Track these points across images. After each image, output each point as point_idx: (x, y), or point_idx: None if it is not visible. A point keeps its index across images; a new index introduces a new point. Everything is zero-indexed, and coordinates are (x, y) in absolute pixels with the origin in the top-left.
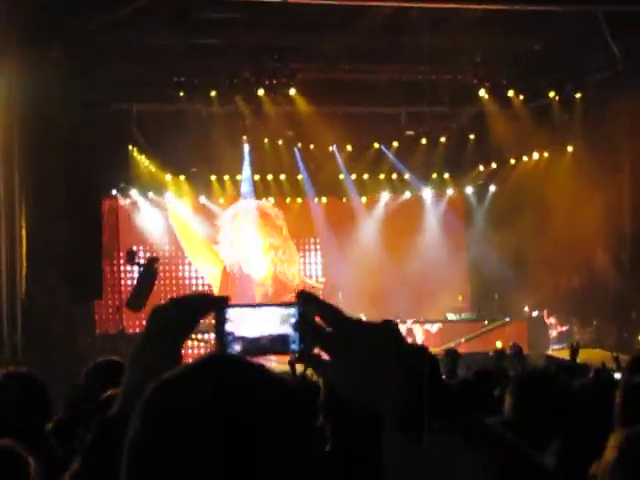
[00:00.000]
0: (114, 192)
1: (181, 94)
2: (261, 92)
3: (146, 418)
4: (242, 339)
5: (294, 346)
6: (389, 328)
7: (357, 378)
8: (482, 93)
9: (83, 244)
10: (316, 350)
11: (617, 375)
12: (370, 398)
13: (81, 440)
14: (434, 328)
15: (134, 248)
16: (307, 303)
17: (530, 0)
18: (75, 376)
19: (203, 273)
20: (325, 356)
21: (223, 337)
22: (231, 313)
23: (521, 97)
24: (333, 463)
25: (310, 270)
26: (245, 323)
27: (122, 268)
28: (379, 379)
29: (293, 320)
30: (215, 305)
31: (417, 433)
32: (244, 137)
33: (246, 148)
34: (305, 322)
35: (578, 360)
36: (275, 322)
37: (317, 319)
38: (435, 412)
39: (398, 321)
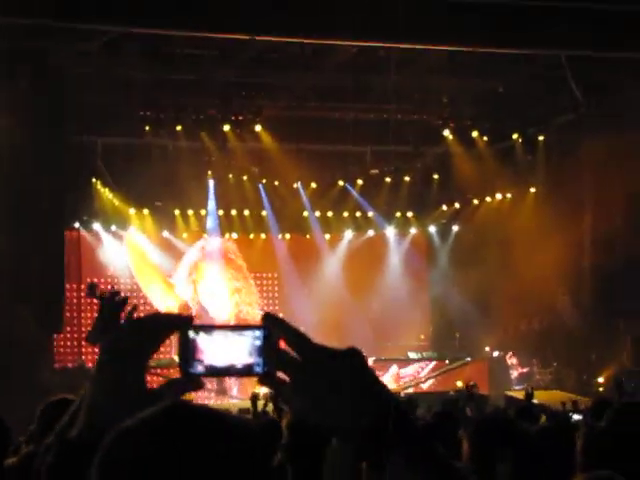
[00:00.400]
0: (77, 224)
1: (147, 128)
2: (227, 128)
3: (103, 466)
4: (205, 361)
5: (258, 369)
6: (354, 355)
7: (318, 404)
8: (447, 133)
9: (46, 275)
10: (280, 374)
11: (575, 417)
12: (330, 424)
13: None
14: (394, 368)
15: (95, 281)
16: (273, 326)
17: (493, 43)
18: (33, 411)
19: (160, 307)
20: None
21: (187, 357)
22: (194, 334)
23: (485, 138)
24: None
25: (269, 306)
26: (209, 345)
27: (82, 301)
28: (341, 406)
29: (258, 343)
30: (179, 324)
31: (376, 462)
32: (209, 172)
33: (211, 183)
34: (269, 345)
35: (537, 401)
36: (239, 344)
37: (282, 342)
38: (397, 443)
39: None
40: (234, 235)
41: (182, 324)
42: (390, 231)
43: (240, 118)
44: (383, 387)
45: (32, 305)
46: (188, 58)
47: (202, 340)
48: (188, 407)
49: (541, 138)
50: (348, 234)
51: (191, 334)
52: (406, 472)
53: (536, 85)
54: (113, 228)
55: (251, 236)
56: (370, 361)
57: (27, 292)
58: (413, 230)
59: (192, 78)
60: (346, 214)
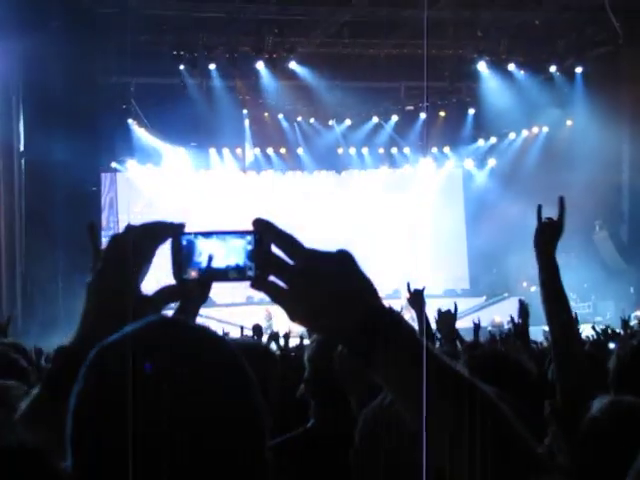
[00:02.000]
0: (114, 165)
1: (181, 67)
2: (261, 66)
3: (86, 377)
4: (198, 266)
5: (250, 273)
6: (345, 256)
7: (311, 304)
8: (482, 67)
9: (82, 220)
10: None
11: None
12: (323, 324)
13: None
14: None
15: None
16: (264, 230)
17: None
18: None
19: None
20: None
21: (179, 264)
22: (186, 241)
23: (521, 71)
24: (316, 438)
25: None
26: (201, 251)
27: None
28: (332, 305)
29: (249, 247)
30: (172, 231)
31: (365, 358)
32: (244, 111)
33: (246, 122)
34: (261, 249)
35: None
36: (231, 250)
37: (273, 247)
38: (387, 345)
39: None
40: (270, 171)
41: (174, 230)
42: (426, 166)
43: (274, 56)
44: (374, 289)
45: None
46: None
47: (194, 246)
48: (171, 322)
49: (579, 70)
50: (384, 170)
51: (183, 241)
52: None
53: (573, 16)
54: (149, 167)
55: (287, 173)
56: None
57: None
58: (449, 165)
59: (225, 16)
60: (381, 150)
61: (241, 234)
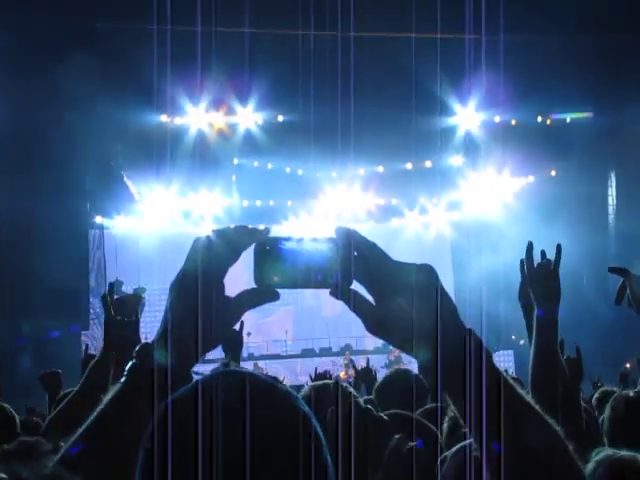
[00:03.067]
0: (100, 220)
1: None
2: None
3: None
4: (280, 272)
5: (331, 280)
6: (430, 270)
7: (393, 317)
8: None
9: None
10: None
11: None
12: (406, 338)
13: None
14: None
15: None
16: (346, 238)
17: None
18: None
19: None
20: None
21: (262, 269)
22: (269, 246)
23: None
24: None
25: None
26: (284, 256)
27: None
28: (424, 321)
29: (331, 254)
30: (257, 236)
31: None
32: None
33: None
34: (344, 258)
35: None
36: (313, 257)
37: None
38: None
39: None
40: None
41: (259, 236)
42: (413, 218)
43: None
44: (456, 308)
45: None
46: None
47: (277, 252)
48: (237, 373)
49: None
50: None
51: (266, 246)
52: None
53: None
54: (135, 219)
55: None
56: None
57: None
58: (435, 215)
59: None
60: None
61: (324, 241)
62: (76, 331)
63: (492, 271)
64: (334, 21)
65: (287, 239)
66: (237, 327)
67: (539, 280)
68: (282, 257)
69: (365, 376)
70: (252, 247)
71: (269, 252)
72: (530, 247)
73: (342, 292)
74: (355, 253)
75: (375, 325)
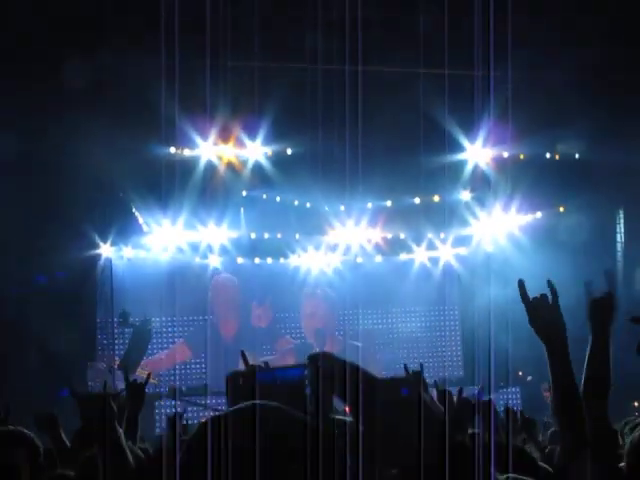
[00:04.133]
0: (109, 247)
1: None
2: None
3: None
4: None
5: (310, 406)
6: (416, 380)
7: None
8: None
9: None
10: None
11: None
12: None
13: None
14: None
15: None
16: (324, 363)
17: None
18: None
19: None
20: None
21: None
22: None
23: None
24: None
25: None
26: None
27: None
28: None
29: (303, 384)
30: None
31: None
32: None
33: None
34: (324, 386)
35: None
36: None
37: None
38: None
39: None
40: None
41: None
42: (421, 253)
43: None
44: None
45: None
46: None
47: (250, 386)
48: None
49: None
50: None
51: (240, 379)
52: None
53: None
54: (142, 252)
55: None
56: None
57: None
58: (445, 250)
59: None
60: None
61: (296, 370)
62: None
63: (499, 306)
64: (342, 55)
65: (261, 372)
66: None
67: (538, 317)
68: (254, 391)
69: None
70: None
71: (241, 387)
72: (521, 284)
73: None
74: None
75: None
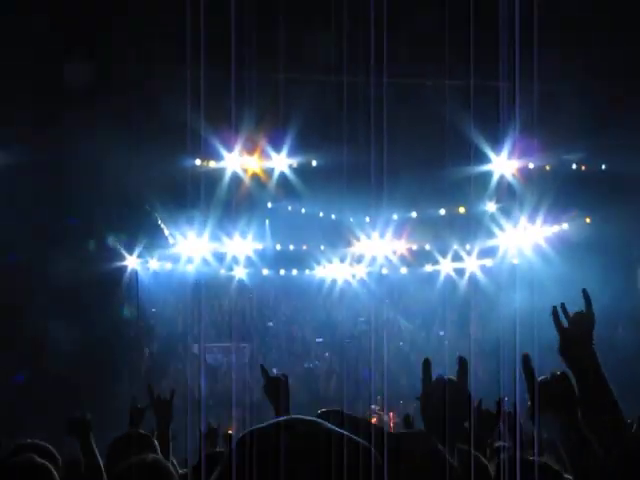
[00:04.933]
0: (135, 259)
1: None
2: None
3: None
4: None
5: None
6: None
7: None
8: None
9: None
10: None
11: None
12: None
13: None
14: None
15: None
16: (334, 419)
17: None
18: None
19: None
20: None
21: None
22: None
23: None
24: None
25: None
26: None
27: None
28: None
29: None
30: None
31: None
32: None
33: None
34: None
35: None
36: None
37: None
38: None
39: None
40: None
41: None
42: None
43: None
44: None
45: None
46: None
47: None
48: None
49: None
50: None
51: None
52: None
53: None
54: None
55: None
56: None
57: None
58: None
59: None
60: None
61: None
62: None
63: (525, 317)
64: (368, 67)
65: None
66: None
67: (569, 348)
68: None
69: None
70: None
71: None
72: (555, 312)
73: None
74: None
75: None
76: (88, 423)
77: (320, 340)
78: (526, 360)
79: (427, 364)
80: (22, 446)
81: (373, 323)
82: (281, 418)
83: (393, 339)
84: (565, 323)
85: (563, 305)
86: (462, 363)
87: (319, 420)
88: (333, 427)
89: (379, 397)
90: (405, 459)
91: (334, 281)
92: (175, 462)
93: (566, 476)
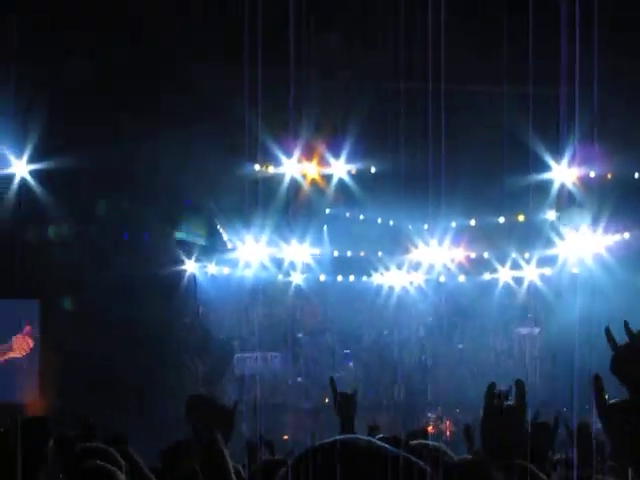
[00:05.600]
0: (194, 263)
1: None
2: None
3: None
4: None
5: None
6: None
7: None
8: None
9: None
10: None
11: None
12: None
13: None
14: None
15: None
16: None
17: None
18: None
19: None
20: None
21: None
22: None
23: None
24: None
25: None
26: None
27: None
28: None
29: None
30: None
31: None
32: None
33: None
34: None
35: None
36: None
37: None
38: None
39: None
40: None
41: None
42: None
43: None
44: None
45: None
46: None
47: None
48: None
49: None
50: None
51: None
52: None
53: None
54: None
55: None
56: None
57: None
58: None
59: None
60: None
61: None
62: None
63: (585, 328)
64: (427, 74)
65: None
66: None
67: (623, 367)
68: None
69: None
70: None
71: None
72: (608, 331)
73: None
74: None
75: None
76: (124, 436)
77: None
78: (597, 381)
79: (608, 330)
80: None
81: (429, 330)
82: (343, 437)
83: (448, 347)
84: (618, 340)
85: (626, 323)
86: (520, 387)
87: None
88: (392, 448)
89: (439, 407)
90: None
91: (391, 288)
92: (240, 468)
93: None
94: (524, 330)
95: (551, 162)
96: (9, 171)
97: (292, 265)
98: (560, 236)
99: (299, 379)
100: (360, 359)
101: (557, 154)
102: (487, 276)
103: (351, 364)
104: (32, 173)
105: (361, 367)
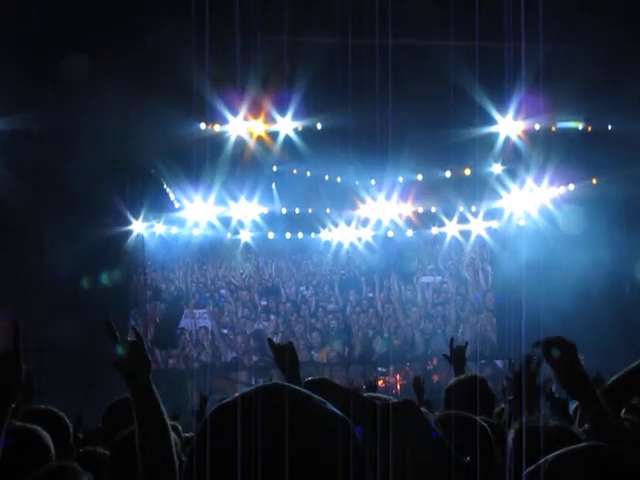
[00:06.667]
0: (141, 223)
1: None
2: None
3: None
4: None
5: None
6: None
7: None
8: None
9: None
10: None
11: None
12: None
13: None
14: None
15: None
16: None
17: None
18: None
19: None
20: None
21: None
22: None
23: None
24: None
25: None
26: None
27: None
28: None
29: None
30: None
31: None
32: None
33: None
34: None
35: None
36: None
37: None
38: None
39: None
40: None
41: None
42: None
43: None
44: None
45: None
46: None
47: None
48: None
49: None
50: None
51: None
52: None
53: None
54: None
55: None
56: None
57: None
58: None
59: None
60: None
61: None
62: None
63: (533, 279)
64: (372, 29)
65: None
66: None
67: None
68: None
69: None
70: None
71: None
72: (547, 345)
73: None
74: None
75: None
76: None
77: (332, 307)
78: (545, 347)
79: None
80: (34, 411)
81: (380, 285)
82: (265, 384)
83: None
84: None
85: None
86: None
87: (303, 390)
88: (317, 397)
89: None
90: (394, 430)
91: (340, 244)
92: (177, 425)
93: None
94: (427, 279)
95: (496, 115)
96: None
97: (240, 223)
98: (506, 189)
99: (225, 331)
100: (279, 312)
101: (502, 107)
102: (435, 230)
103: (272, 317)
104: None
105: (281, 320)
